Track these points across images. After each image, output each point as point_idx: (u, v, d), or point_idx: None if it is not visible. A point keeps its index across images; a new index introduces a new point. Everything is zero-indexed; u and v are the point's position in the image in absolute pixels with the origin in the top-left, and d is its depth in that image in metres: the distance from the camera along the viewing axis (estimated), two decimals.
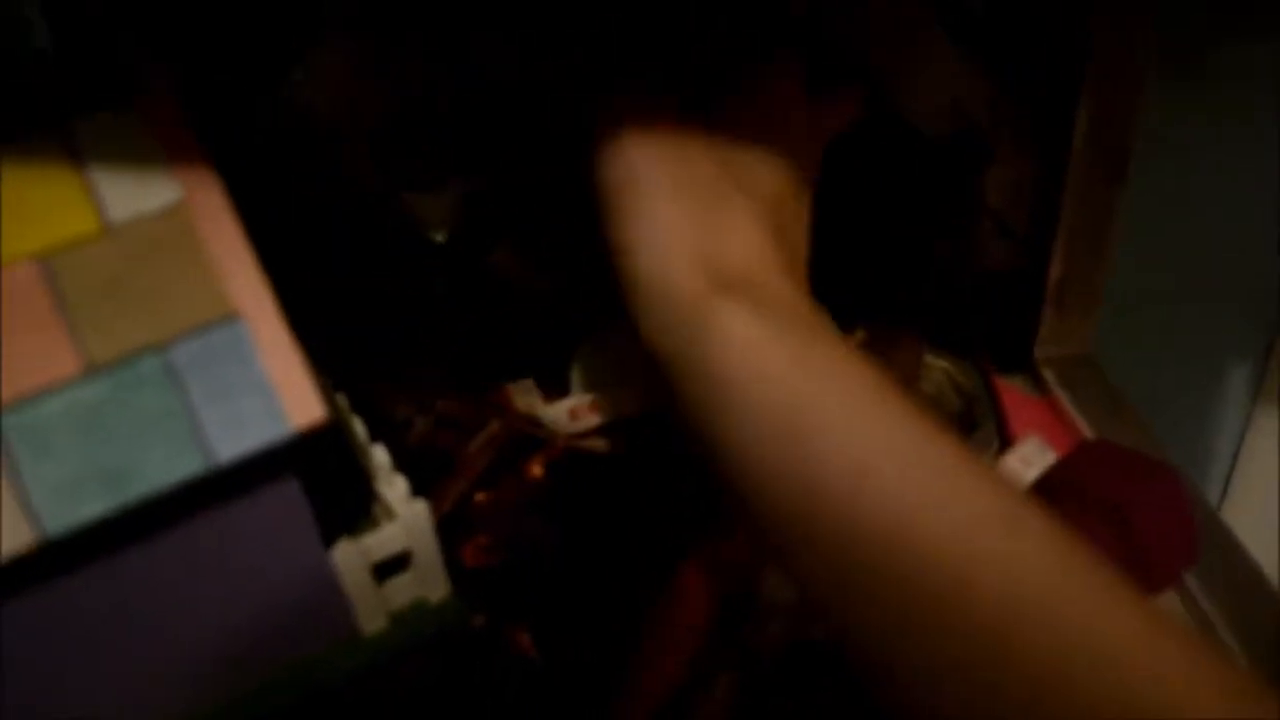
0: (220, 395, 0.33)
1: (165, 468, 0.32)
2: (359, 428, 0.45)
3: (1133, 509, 0.47)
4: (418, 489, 0.41)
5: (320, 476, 0.38)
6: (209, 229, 0.35)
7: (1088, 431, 0.62)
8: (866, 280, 0.64)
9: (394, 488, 0.42)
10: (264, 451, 0.33)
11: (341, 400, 0.46)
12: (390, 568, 0.41)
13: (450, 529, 0.49)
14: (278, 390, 0.34)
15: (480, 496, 0.51)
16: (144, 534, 0.34)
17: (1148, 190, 0.75)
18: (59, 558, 0.33)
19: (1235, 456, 0.97)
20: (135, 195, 0.34)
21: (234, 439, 0.33)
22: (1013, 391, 0.64)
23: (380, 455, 0.43)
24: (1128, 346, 0.77)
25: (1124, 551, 0.47)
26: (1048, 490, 0.50)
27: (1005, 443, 0.55)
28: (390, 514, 0.41)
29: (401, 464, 0.42)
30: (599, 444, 0.53)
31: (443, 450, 0.53)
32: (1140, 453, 0.51)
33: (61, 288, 0.32)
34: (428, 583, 0.42)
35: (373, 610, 0.41)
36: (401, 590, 0.42)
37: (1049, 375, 0.69)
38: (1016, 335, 0.70)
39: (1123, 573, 0.46)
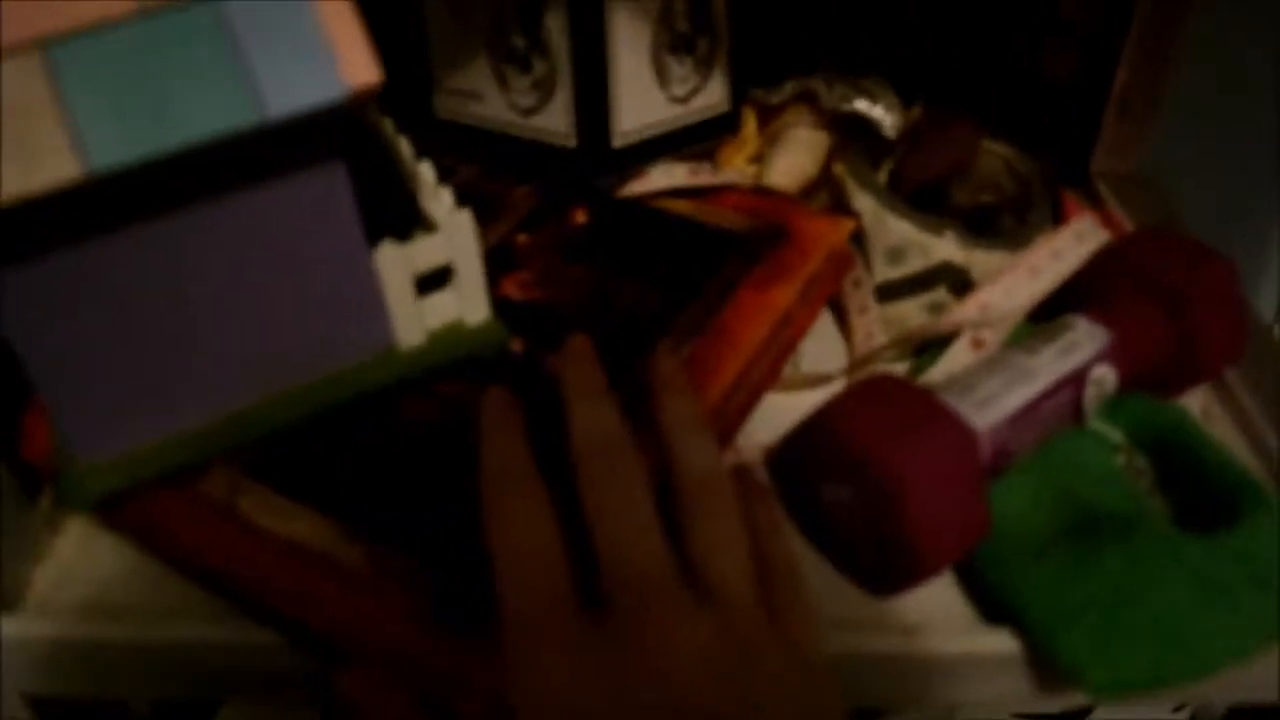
0: (275, 50, 0.32)
1: (216, 116, 0.31)
2: (406, 147, 0.44)
3: (1185, 291, 0.46)
4: None
5: (367, 181, 0.37)
6: None
7: None
8: (935, 62, 0.62)
9: (439, 200, 0.41)
10: (318, 109, 0.32)
11: (388, 123, 0.45)
12: (432, 283, 0.41)
13: (494, 265, 0.49)
14: (334, 49, 0.32)
15: (523, 237, 0.50)
16: (191, 194, 0.33)
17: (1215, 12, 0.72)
18: (107, 209, 0.32)
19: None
20: None
21: (288, 94, 0.32)
22: (1070, 197, 0.63)
23: (426, 171, 0.42)
24: (1186, 167, 0.75)
25: (1174, 334, 0.46)
26: (1102, 267, 0.49)
27: (1059, 223, 0.54)
28: (435, 228, 0.40)
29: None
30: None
31: (490, 195, 0.52)
32: (1196, 240, 0.50)
33: None
34: (468, 302, 0.42)
35: (412, 324, 0.41)
36: (441, 307, 0.41)
37: (1104, 188, 0.67)
38: (1076, 146, 0.68)
39: (1169, 356, 0.46)
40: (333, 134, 0.35)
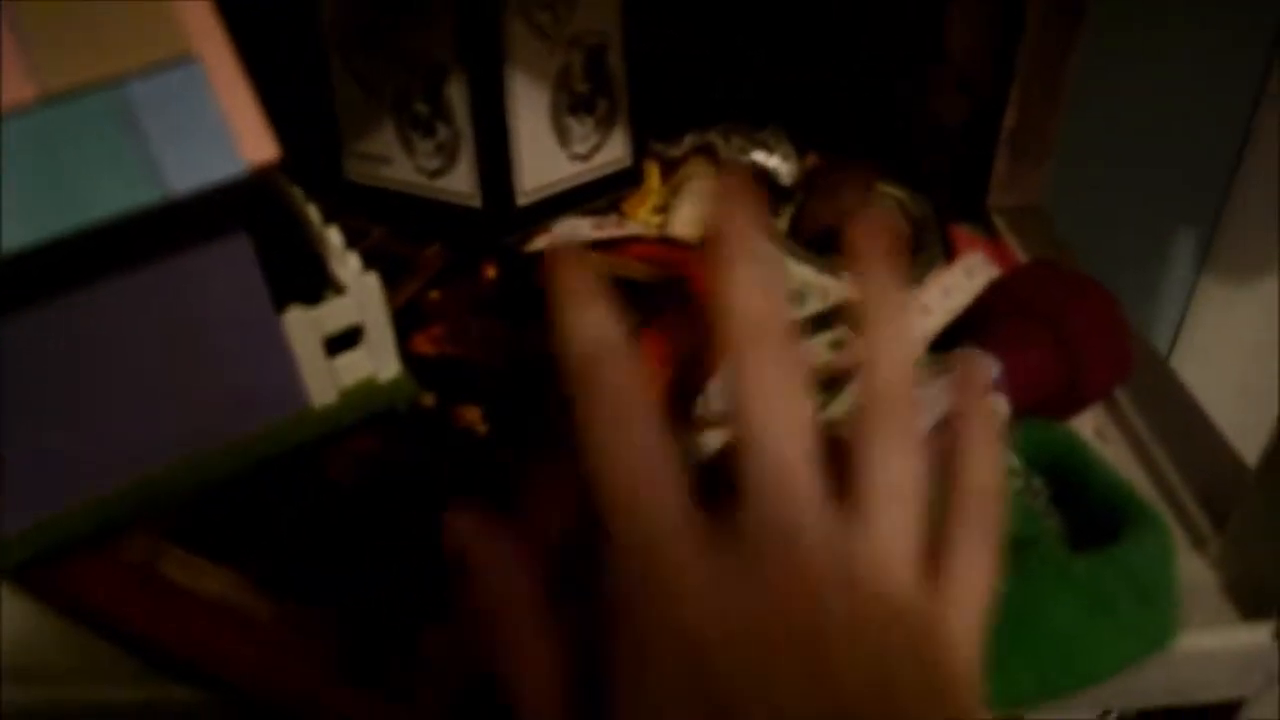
0: (175, 131, 0.33)
1: (119, 195, 0.32)
2: (314, 213, 0.46)
3: (1069, 320, 0.49)
4: None
5: (274, 249, 0.38)
6: None
7: None
8: (825, 109, 0.65)
9: (347, 264, 0.42)
10: (218, 187, 0.34)
11: (297, 191, 0.47)
12: (343, 343, 0.42)
13: (405, 322, 0.50)
14: (232, 129, 0.34)
15: (434, 294, 0.52)
16: (99, 270, 0.35)
17: (1107, 43, 0.76)
18: (14, 288, 0.33)
19: (1178, 328, 0.99)
20: None
21: (189, 173, 0.33)
22: (964, 232, 0.66)
23: (334, 236, 0.44)
24: (1079, 204, 0.78)
25: (1060, 362, 0.48)
26: (991, 301, 0.52)
27: (951, 261, 0.56)
28: (343, 290, 0.42)
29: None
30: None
31: (401, 255, 0.54)
32: (1079, 272, 0.53)
33: (20, 16, 0.32)
34: (378, 359, 0.43)
35: (323, 384, 0.42)
36: (353, 366, 0.43)
37: (1000, 223, 0.70)
38: (970, 183, 0.71)
39: (1058, 383, 0.48)
40: (236, 208, 0.36)
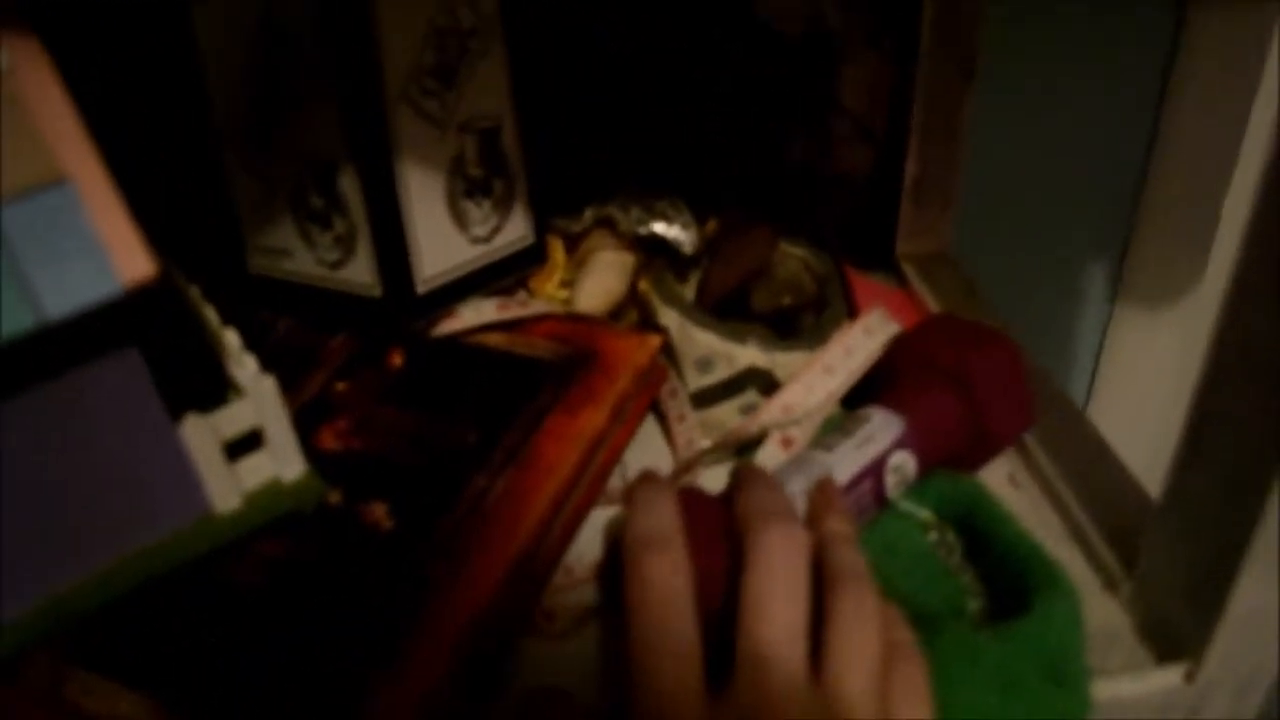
0: (49, 255, 0.33)
1: None
2: (211, 314, 0.45)
3: (970, 371, 0.49)
4: (281, 383, 0.41)
5: (168, 357, 0.38)
6: (35, 95, 0.35)
7: None
8: (721, 174, 0.66)
9: (244, 366, 0.42)
10: (96, 308, 0.34)
11: (195, 291, 0.46)
12: (244, 447, 0.42)
13: (311, 416, 0.50)
14: (107, 249, 0.34)
15: (340, 385, 0.51)
16: None
17: (1002, 90, 0.78)
18: None
19: (1097, 358, 1.01)
20: None
21: (64, 296, 0.33)
22: (871, 283, 0.67)
23: (231, 338, 0.44)
24: (988, 246, 0.80)
25: (964, 411, 0.49)
26: (895, 357, 0.52)
27: (853, 318, 0.57)
28: (241, 393, 0.41)
29: (264, 360, 0.43)
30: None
31: (307, 346, 0.54)
32: (979, 323, 0.54)
33: None
34: (282, 461, 0.43)
35: (226, 490, 0.41)
36: (256, 469, 0.42)
37: (909, 270, 0.71)
38: (877, 233, 0.72)
39: (963, 435, 0.49)
40: (123, 323, 0.36)
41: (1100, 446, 0.56)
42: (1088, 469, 0.54)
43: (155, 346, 0.37)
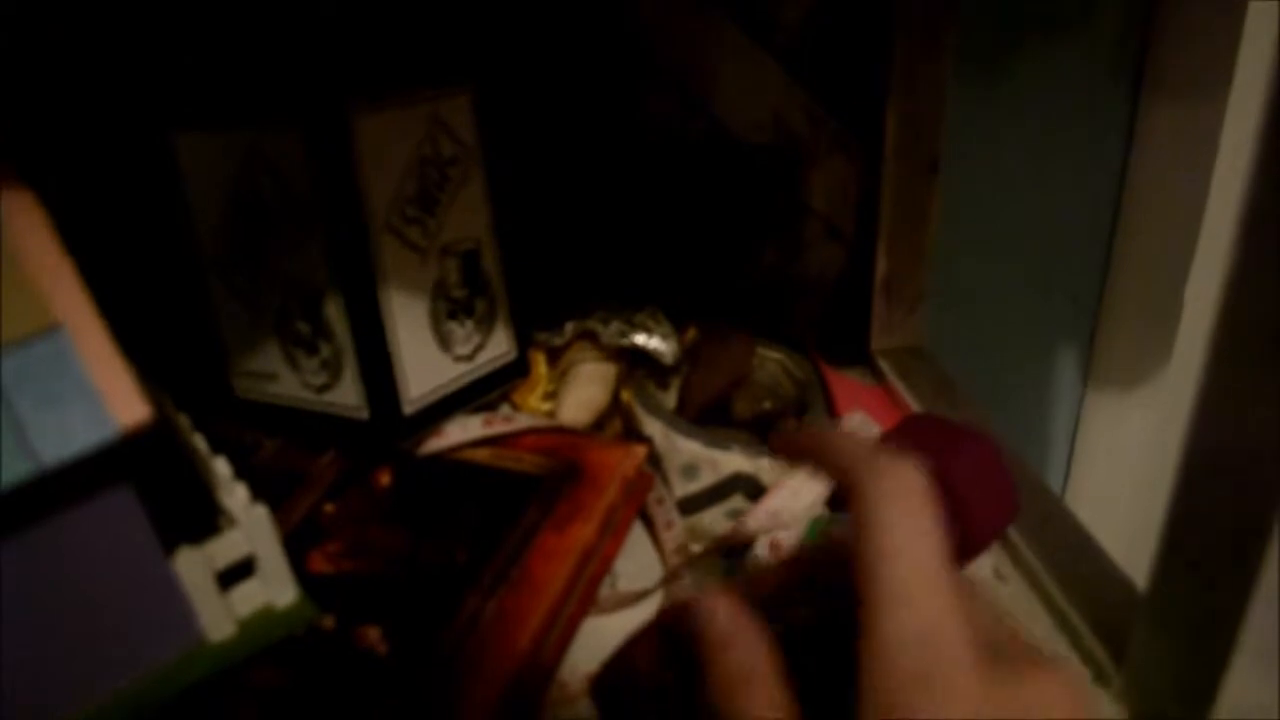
0: (45, 402, 0.34)
1: None
2: (200, 442, 0.46)
3: (950, 471, 0.50)
4: (270, 505, 0.42)
5: (160, 489, 0.39)
6: (27, 244, 0.35)
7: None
8: (697, 282, 0.67)
9: (235, 496, 0.42)
10: (92, 453, 0.34)
11: (184, 420, 0.47)
12: (236, 575, 0.42)
13: (301, 539, 0.50)
14: (102, 394, 0.34)
15: (329, 507, 0.52)
16: None
17: (966, 188, 0.80)
18: None
19: (1073, 440, 1.02)
20: None
21: (60, 442, 0.34)
22: (849, 382, 0.68)
23: (221, 466, 0.44)
24: (960, 338, 0.81)
25: (945, 511, 0.50)
26: None
27: (834, 418, 0.58)
28: (233, 522, 0.42)
29: (252, 482, 0.43)
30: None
31: (295, 467, 0.54)
32: (955, 422, 0.54)
33: None
34: (274, 587, 0.43)
35: (219, 618, 0.41)
36: (248, 596, 0.42)
37: (885, 366, 0.72)
38: (851, 330, 0.74)
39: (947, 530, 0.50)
40: (118, 464, 0.36)
41: (1083, 537, 0.56)
42: (1072, 560, 0.54)
43: (149, 483, 0.38)
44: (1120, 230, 0.91)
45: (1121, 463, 1.01)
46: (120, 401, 0.35)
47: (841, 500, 0.52)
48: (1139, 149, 0.88)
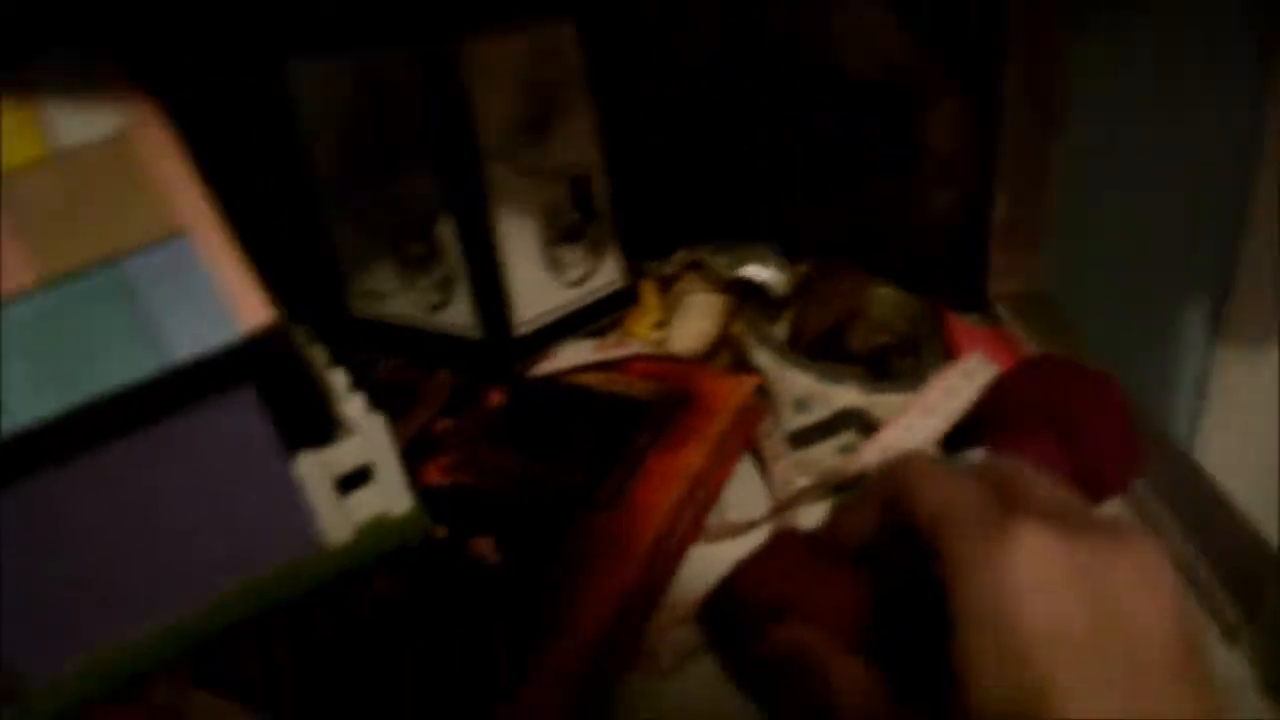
0: (172, 304, 0.35)
1: (122, 368, 0.34)
2: (320, 354, 0.47)
3: (1075, 416, 0.48)
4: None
5: (282, 396, 0.39)
6: (152, 154, 0.37)
7: None
8: (811, 219, 0.66)
9: (353, 405, 0.43)
10: (217, 353, 0.35)
11: (304, 332, 0.48)
12: (354, 482, 0.43)
13: (415, 454, 0.51)
14: (227, 298, 0.35)
15: (443, 424, 0.52)
16: (108, 439, 0.35)
17: (1097, 133, 0.77)
18: (35, 454, 0.34)
19: (1199, 397, 0.99)
20: (82, 125, 0.36)
21: (187, 341, 0.35)
22: (964, 324, 0.66)
23: (340, 377, 0.45)
24: (1085, 285, 0.79)
25: (1070, 457, 0.48)
26: (995, 401, 0.52)
27: (951, 357, 0.57)
28: (351, 430, 0.42)
29: (370, 398, 0.44)
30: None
31: (409, 384, 0.55)
32: (1082, 365, 0.53)
33: (18, 207, 0.34)
34: (390, 496, 0.44)
35: (338, 523, 0.42)
36: (365, 503, 0.43)
37: (1002, 310, 0.70)
38: (968, 275, 0.72)
39: (1069, 479, 0.48)
40: (242, 365, 0.37)
41: (1214, 492, 0.54)
42: (1202, 515, 0.52)
43: (270, 387, 0.39)
44: (1261, 178, 0.87)
45: (1250, 422, 0.97)
46: (244, 305, 0.36)
47: (956, 440, 0.51)
48: (1277, 101, 0.84)
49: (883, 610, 0.35)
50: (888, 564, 0.34)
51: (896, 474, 0.32)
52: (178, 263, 0.36)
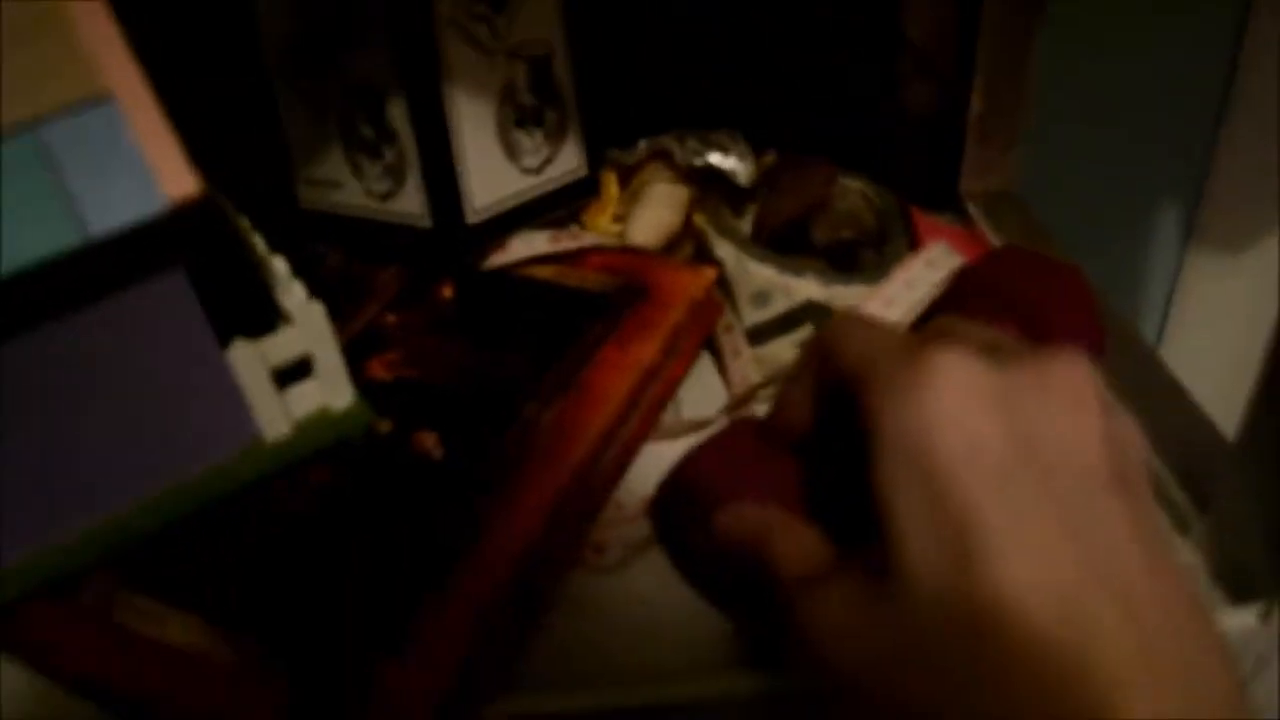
0: (93, 172, 0.33)
1: (39, 241, 0.32)
2: (259, 241, 0.45)
3: (1038, 303, 0.48)
4: (332, 314, 0.41)
5: (215, 280, 0.38)
6: (78, 11, 0.34)
7: None
8: (781, 108, 0.64)
9: (292, 293, 0.42)
10: (139, 226, 0.33)
11: (244, 220, 0.46)
12: (293, 375, 0.41)
13: (362, 348, 0.49)
14: (150, 166, 0.33)
15: (391, 318, 0.51)
16: (26, 323, 0.34)
17: (1074, 26, 0.75)
18: None
19: (1168, 302, 0.98)
20: None
21: (107, 212, 0.33)
22: (933, 220, 0.65)
23: (279, 265, 0.43)
24: (1057, 186, 0.78)
25: (1027, 340, 0.47)
26: (958, 292, 0.51)
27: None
28: (290, 320, 0.41)
29: (316, 291, 0.42)
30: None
31: (357, 278, 0.54)
32: (1044, 254, 0.52)
33: None
34: (331, 389, 0.42)
35: (275, 417, 0.41)
36: (305, 397, 0.42)
37: (973, 209, 0.69)
38: (941, 172, 0.70)
39: None
40: (169, 245, 0.35)
41: (1172, 385, 0.54)
42: (1160, 408, 0.52)
43: (201, 269, 0.37)
44: (1236, 83, 0.86)
45: (1217, 328, 0.97)
46: (170, 175, 0.34)
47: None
48: (1258, 8, 0.82)
49: (827, 488, 0.34)
50: (829, 437, 0.34)
51: (824, 332, 0.32)
52: (99, 128, 0.34)
